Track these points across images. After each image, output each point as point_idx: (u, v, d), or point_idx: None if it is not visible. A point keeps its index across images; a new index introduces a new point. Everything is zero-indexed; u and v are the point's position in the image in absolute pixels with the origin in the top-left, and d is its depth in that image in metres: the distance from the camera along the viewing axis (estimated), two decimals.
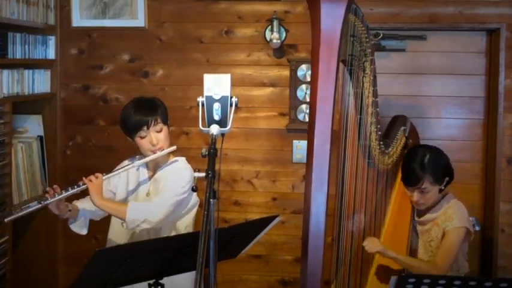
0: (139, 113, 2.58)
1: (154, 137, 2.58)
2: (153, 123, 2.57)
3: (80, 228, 2.64)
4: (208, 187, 1.83)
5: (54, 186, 2.50)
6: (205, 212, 1.80)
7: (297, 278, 3.39)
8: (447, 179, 2.77)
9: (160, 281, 2.21)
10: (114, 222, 2.72)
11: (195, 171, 1.91)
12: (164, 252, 2.12)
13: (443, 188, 2.77)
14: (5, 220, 2.46)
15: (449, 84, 3.54)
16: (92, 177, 2.53)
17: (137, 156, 2.73)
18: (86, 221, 2.65)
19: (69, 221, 2.62)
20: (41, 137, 3.56)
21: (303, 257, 2.25)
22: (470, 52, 3.53)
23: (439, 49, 3.53)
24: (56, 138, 3.63)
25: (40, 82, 3.46)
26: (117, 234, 2.71)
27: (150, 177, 2.69)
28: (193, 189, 1.93)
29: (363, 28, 2.52)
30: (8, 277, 3.11)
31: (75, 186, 2.51)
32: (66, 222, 2.65)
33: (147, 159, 2.61)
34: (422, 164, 2.70)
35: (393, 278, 2.00)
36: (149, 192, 2.66)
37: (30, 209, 2.43)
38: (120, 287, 2.16)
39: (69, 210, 2.56)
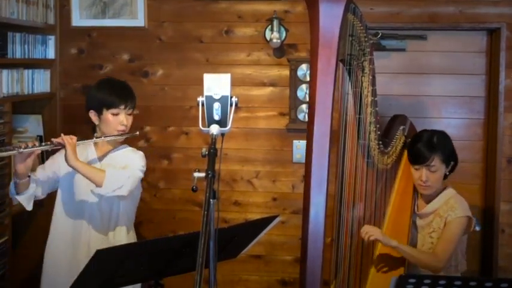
0: (121, 91, 2.69)
1: (126, 118, 2.68)
2: (130, 105, 2.69)
3: (27, 201, 2.63)
4: (208, 187, 1.82)
5: (28, 142, 2.51)
6: (205, 212, 1.79)
7: (297, 278, 3.39)
8: (452, 163, 2.78)
9: (160, 281, 2.21)
10: (55, 234, 2.76)
11: (194, 171, 1.90)
12: (164, 252, 2.12)
13: (447, 173, 2.78)
14: None
15: (450, 84, 3.54)
16: (67, 137, 2.55)
17: (95, 135, 2.76)
18: (33, 197, 2.65)
19: (11, 191, 2.61)
20: (40, 137, 3.55)
21: (302, 258, 2.25)
22: (471, 52, 3.52)
23: (440, 49, 3.53)
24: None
25: (40, 82, 3.45)
26: (58, 248, 2.76)
27: (99, 158, 2.73)
28: (194, 190, 1.92)
29: (362, 27, 2.52)
30: (8, 277, 3.10)
31: (49, 143, 2.52)
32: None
33: (117, 138, 2.68)
34: (432, 142, 2.72)
35: (393, 278, 1.99)
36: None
37: (3, 153, 2.46)
38: (120, 287, 2.16)
39: (29, 176, 2.56)
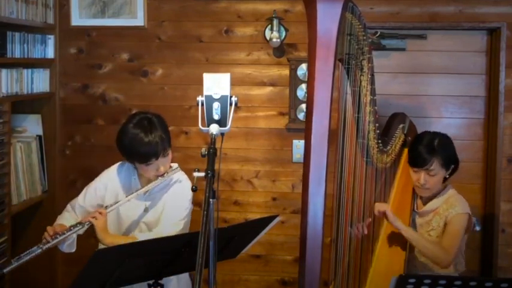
0: (147, 143, 2.44)
1: (162, 164, 2.50)
2: (161, 152, 2.47)
3: (70, 248, 2.54)
4: (208, 187, 1.82)
5: (55, 228, 2.40)
6: (205, 212, 1.79)
7: (297, 278, 3.39)
8: (453, 166, 2.78)
9: (160, 281, 2.21)
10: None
11: (194, 170, 1.89)
12: (164, 252, 2.12)
13: (447, 176, 2.77)
14: (4, 271, 2.35)
15: (450, 84, 3.53)
16: (96, 214, 2.45)
17: (126, 165, 2.66)
18: (75, 239, 2.55)
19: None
20: (40, 137, 3.55)
21: (301, 257, 2.24)
22: (471, 51, 3.52)
23: (440, 48, 3.52)
24: (55, 138, 3.62)
25: (39, 81, 3.45)
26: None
27: (145, 192, 2.58)
28: (193, 189, 1.92)
29: (360, 26, 2.51)
30: (7, 277, 3.10)
31: (78, 225, 2.43)
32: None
33: (153, 185, 2.52)
34: (433, 146, 2.71)
35: (393, 278, 1.99)
36: (147, 207, 2.59)
37: (31, 255, 2.34)
38: (119, 287, 2.15)
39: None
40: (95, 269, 1.99)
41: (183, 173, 2.66)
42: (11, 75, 3.13)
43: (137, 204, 2.59)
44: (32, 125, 3.55)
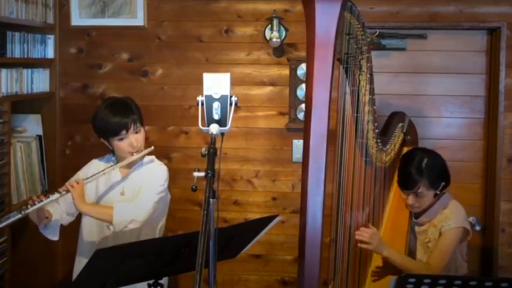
0: (118, 116, 2.61)
1: (135, 140, 2.63)
2: (132, 126, 2.62)
3: (53, 234, 2.63)
4: (208, 186, 1.82)
5: (40, 196, 2.49)
6: (205, 212, 1.79)
7: (297, 278, 3.39)
8: (443, 184, 2.75)
9: (160, 281, 2.21)
10: (85, 226, 2.73)
11: (194, 170, 1.90)
12: (163, 252, 2.12)
13: (438, 192, 2.75)
14: None
15: (450, 83, 3.53)
16: (73, 182, 2.55)
17: (107, 156, 2.78)
18: (58, 226, 2.65)
19: (40, 227, 2.61)
20: (39, 137, 3.55)
21: (300, 257, 2.24)
22: (471, 51, 3.52)
23: (440, 48, 3.52)
24: (55, 138, 3.62)
25: (39, 81, 3.45)
26: (88, 236, 2.73)
27: (123, 176, 2.71)
28: (193, 189, 1.92)
29: (359, 25, 2.51)
30: (7, 277, 3.10)
31: (56, 193, 2.51)
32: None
33: (128, 160, 2.64)
34: (419, 168, 2.68)
35: (393, 279, 1.99)
36: (124, 191, 2.69)
37: (11, 219, 2.41)
38: (119, 286, 2.15)
39: (46, 217, 2.56)
40: (95, 269, 1.99)
41: (154, 157, 2.79)
42: (11, 75, 3.13)
43: (114, 187, 2.69)
44: (32, 125, 3.55)
